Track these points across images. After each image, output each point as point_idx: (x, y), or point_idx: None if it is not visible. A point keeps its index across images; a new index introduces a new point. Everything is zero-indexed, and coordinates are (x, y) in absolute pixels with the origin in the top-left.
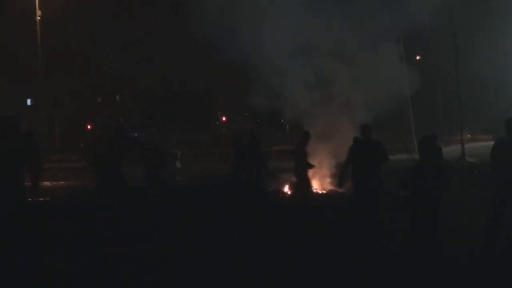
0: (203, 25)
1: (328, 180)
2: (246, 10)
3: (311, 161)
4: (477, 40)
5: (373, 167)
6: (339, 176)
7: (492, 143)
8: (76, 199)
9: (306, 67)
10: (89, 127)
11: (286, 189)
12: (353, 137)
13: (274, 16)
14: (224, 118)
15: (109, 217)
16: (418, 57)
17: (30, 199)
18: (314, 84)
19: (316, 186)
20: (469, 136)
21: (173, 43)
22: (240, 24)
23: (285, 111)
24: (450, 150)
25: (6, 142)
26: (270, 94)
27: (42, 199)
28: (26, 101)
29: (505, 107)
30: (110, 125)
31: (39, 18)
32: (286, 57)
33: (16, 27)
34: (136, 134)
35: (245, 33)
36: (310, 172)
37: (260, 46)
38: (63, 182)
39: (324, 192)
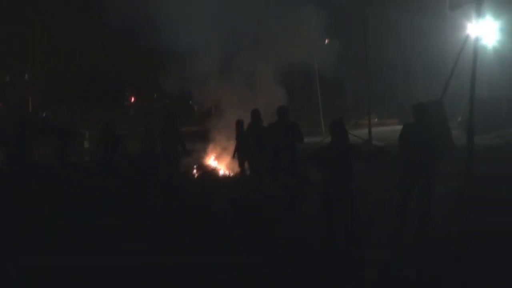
0: (118, 11)
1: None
2: None
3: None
4: (388, 25)
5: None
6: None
7: (398, 127)
8: None
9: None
10: None
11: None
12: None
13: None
14: (132, 99)
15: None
16: (327, 41)
17: None
18: (224, 65)
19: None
20: (376, 120)
21: (85, 23)
22: (154, 9)
23: (194, 93)
24: (357, 133)
25: None
26: (181, 77)
27: None
28: None
29: (412, 92)
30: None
31: None
32: (198, 40)
33: None
34: (44, 114)
35: (159, 17)
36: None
37: (173, 30)
38: None
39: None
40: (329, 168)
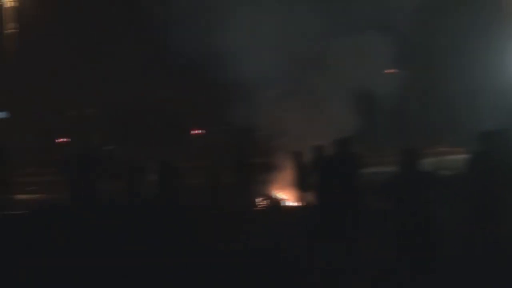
0: (182, 45)
1: None
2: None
3: None
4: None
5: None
6: None
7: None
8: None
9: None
10: (60, 140)
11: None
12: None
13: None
14: (196, 131)
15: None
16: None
17: None
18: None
19: None
20: (444, 148)
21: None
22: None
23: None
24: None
25: None
26: (248, 107)
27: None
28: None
29: (480, 119)
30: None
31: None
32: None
33: None
34: (111, 148)
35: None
36: None
37: (237, 60)
38: (37, 195)
39: None
40: (404, 197)
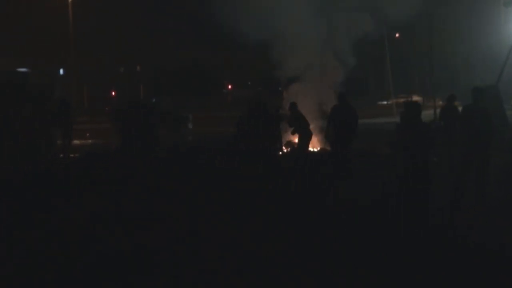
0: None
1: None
2: None
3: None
4: (449, 21)
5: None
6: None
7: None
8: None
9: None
10: (113, 93)
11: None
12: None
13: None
14: (230, 87)
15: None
16: (397, 35)
17: (61, 155)
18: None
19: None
20: (441, 102)
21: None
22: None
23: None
24: (424, 114)
25: (41, 106)
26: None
27: (72, 155)
28: (59, 71)
29: (471, 78)
30: (132, 94)
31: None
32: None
33: (52, 8)
34: (153, 100)
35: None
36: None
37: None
38: (90, 141)
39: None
40: (410, 145)
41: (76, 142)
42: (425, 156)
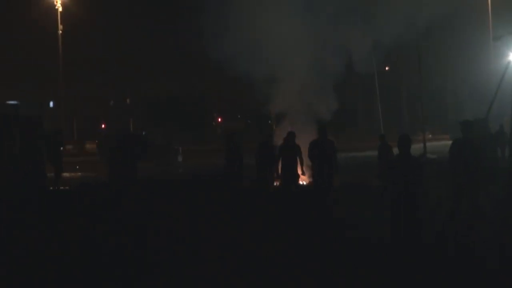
0: (212, 42)
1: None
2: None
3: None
4: (438, 53)
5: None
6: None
7: (449, 142)
8: (91, 188)
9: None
10: (103, 126)
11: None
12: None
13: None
14: (219, 119)
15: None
16: (387, 68)
17: (51, 188)
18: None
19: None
20: (430, 136)
21: (173, 53)
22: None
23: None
24: (413, 148)
25: (30, 138)
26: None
27: (62, 187)
28: (49, 104)
29: (461, 112)
30: (122, 126)
31: (60, 32)
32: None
33: (41, 39)
34: (143, 132)
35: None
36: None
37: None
38: (80, 173)
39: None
40: (400, 178)
41: (65, 174)
42: (414, 188)
